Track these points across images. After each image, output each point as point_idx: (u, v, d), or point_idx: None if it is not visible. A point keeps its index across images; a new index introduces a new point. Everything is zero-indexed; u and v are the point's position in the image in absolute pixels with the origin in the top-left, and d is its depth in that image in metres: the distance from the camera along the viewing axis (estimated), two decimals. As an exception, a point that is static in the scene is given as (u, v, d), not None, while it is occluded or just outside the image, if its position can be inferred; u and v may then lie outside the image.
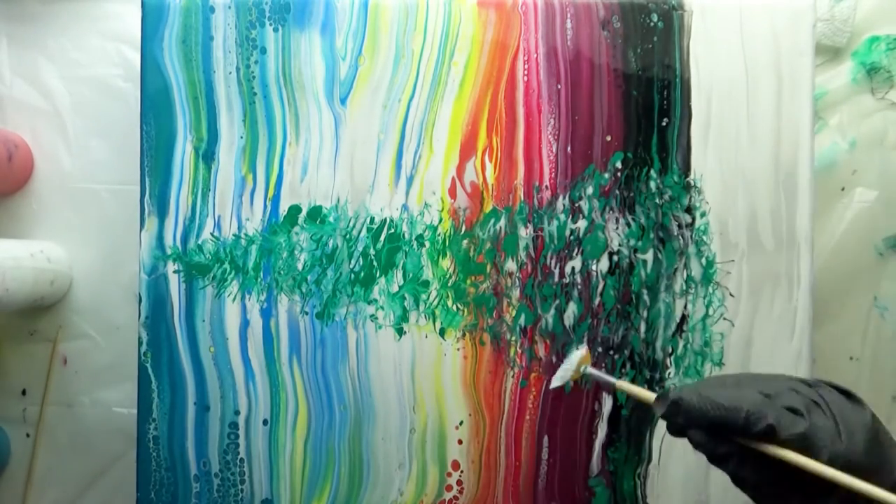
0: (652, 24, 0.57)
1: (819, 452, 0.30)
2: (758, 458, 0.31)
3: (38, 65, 0.65)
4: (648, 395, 0.35)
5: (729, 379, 0.34)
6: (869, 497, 0.29)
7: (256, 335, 0.57)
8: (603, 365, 0.57)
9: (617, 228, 0.57)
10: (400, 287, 0.57)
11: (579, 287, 0.57)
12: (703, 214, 0.57)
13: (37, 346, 0.64)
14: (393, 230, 0.57)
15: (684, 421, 0.32)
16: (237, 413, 0.57)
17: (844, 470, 0.29)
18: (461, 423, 0.57)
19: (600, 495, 0.57)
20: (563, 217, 0.57)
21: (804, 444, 0.30)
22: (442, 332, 0.57)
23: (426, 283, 0.57)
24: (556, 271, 0.57)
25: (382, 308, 0.57)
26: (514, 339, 0.57)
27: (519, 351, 0.57)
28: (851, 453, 0.29)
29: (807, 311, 0.57)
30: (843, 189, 0.65)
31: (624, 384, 0.37)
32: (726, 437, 0.31)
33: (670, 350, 0.57)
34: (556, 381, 0.44)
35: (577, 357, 0.40)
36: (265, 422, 0.57)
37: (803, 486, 0.30)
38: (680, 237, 0.57)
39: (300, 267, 0.57)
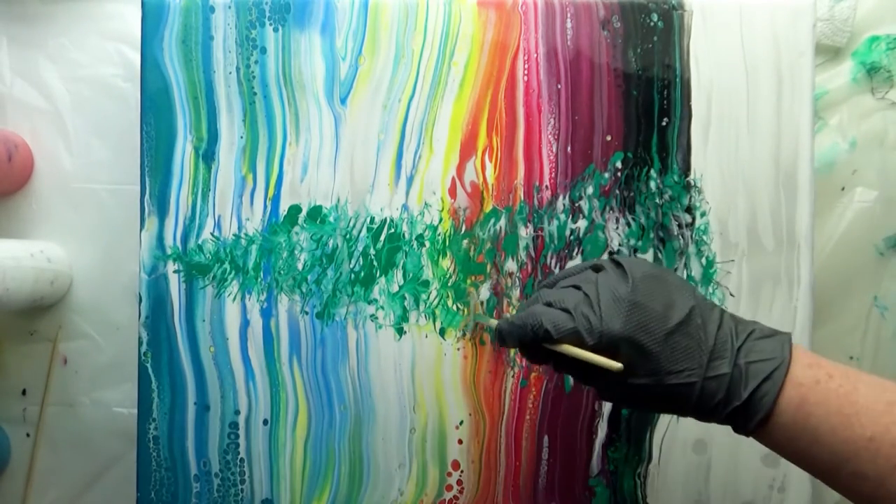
0: (652, 23, 0.57)
1: (586, 339, 0.36)
2: (562, 356, 0.37)
3: (38, 65, 0.65)
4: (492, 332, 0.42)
5: (538, 292, 0.40)
6: (595, 363, 0.35)
7: (256, 335, 0.57)
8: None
9: (617, 228, 0.57)
10: (400, 287, 0.57)
11: (579, 287, 0.57)
12: (703, 214, 0.57)
13: (37, 346, 0.64)
14: (393, 230, 0.57)
15: (511, 343, 0.39)
16: (237, 413, 0.57)
17: (608, 341, 0.35)
18: (461, 422, 0.57)
19: (600, 495, 0.57)
20: (563, 217, 0.57)
21: (576, 336, 0.36)
22: (442, 332, 0.57)
23: (426, 283, 0.57)
24: (557, 271, 0.57)
25: (382, 308, 0.57)
26: (514, 338, 0.57)
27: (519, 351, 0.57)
28: (609, 329, 0.35)
29: (807, 310, 0.57)
30: (843, 189, 0.65)
31: (487, 319, 0.44)
32: (535, 347, 0.38)
33: (670, 350, 0.57)
34: (461, 332, 0.55)
35: (470, 303, 0.46)
36: (265, 422, 0.57)
37: (595, 368, 0.36)
38: (680, 237, 0.57)
39: (300, 267, 0.57)
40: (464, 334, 0.55)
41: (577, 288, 0.38)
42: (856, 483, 0.33)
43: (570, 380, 0.57)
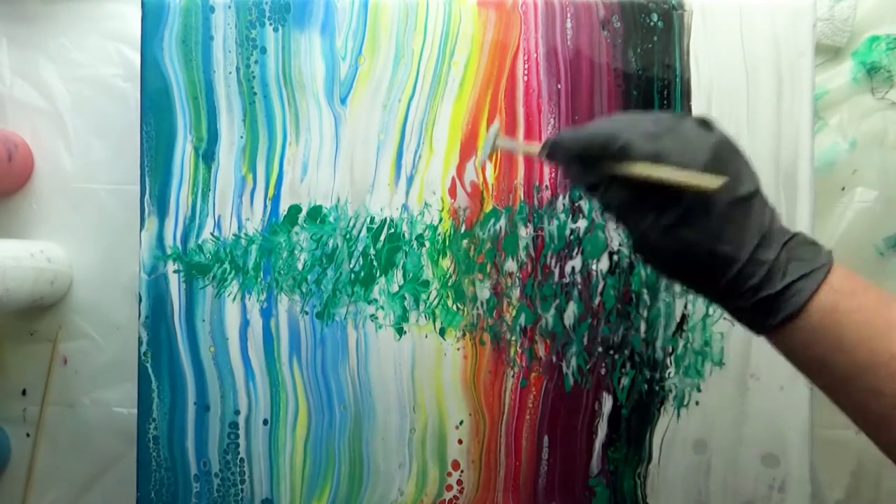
0: (652, 23, 0.57)
1: (672, 159, 0.33)
2: (619, 182, 0.34)
3: (38, 65, 0.65)
4: (535, 147, 0.38)
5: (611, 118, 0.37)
6: (687, 187, 0.33)
7: (256, 335, 0.57)
8: (603, 365, 0.57)
9: (617, 228, 0.57)
10: (400, 287, 0.57)
11: (579, 287, 0.57)
12: (703, 214, 0.57)
13: (37, 346, 0.64)
14: (393, 230, 0.57)
15: (562, 157, 0.36)
16: (237, 413, 0.57)
17: (693, 166, 0.33)
18: (461, 422, 0.57)
19: (600, 495, 0.57)
20: (563, 217, 0.57)
21: (654, 160, 0.33)
22: (442, 332, 0.57)
23: (426, 283, 0.57)
24: (557, 271, 0.57)
25: (382, 308, 0.57)
26: (514, 338, 0.57)
27: (519, 351, 0.57)
28: (695, 159, 0.33)
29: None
30: (843, 189, 0.65)
31: (523, 145, 0.40)
32: (593, 165, 0.35)
33: (670, 350, 0.57)
34: (481, 156, 0.54)
35: (492, 132, 0.43)
36: (265, 422, 0.57)
37: (657, 202, 0.34)
38: (680, 237, 0.57)
39: (300, 267, 0.57)
40: (483, 158, 0.55)
41: (657, 120, 0.35)
42: (868, 399, 0.32)
43: (570, 380, 0.57)
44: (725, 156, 0.34)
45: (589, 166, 0.35)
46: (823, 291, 0.33)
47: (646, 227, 0.35)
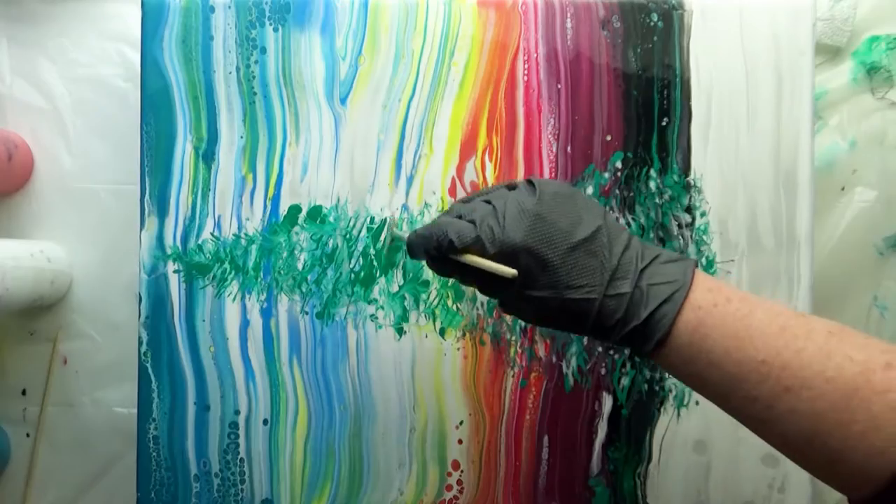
0: (652, 23, 0.57)
1: (487, 248, 0.36)
2: (466, 266, 0.38)
3: (38, 65, 0.65)
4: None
5: (452, 206, 0.41)
6: (492, 271, 0.36)
7: (256, 335, 0.57)
8: (603, 365, 0.57)
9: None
10: (400, 287, 0.57)
11: (579, 287, 0.57)
12: (703, 214, 0.57)
13: (37, 346, 0.64)
14: (393, 230, 0.57)
15: (420, 255, 0.39)
16: (237, 413, 0.57)
17: (509, 250, 0.36)
18: (461, 422, 0.57)
19: (600, 495, 0.57)
20: (563, 217, 0.57)
21: (479, 245, 0.37)
22: (442, 332, 0.57)
23: (426, 283, 0.57)
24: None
25: (382, 308, 0.57)
26: (514, 338, 0.57)
27: (519, 351, 0.57)
28: (510, 238, 0.36)
29: (807, 310, 0.57)
30: (843, 189, 0.65)
31: (401, 233, 0.44)
32: (442, 258, 0.38)
33: (670, 350, 0.57)
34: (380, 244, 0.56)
35: (388, 227, 0.47)
36: (265, 422, 0.57)
37: (496, 278, 0.37)
38: (680, 237, 0.57)
39: (300, 267, 0.57)
40: (383, 248, 0.56)
41: (488, 202, 0.38)
42: (747, 406, 0.33)
43: (570, 380, 0.57)
44: (551, 212, 0.36)
45: (438, 260, 0.39)
46: (686, 311, 0.34)
47: (502, 299, 0.39)
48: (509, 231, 0.36)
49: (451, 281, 0.57)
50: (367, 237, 0.57)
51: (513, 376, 0.57)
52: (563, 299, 0.36)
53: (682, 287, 0.35)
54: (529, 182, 0.38)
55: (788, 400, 0.32)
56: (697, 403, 0.57)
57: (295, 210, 0.57)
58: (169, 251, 0.57)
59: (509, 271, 0.36)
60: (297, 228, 0.57)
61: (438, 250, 0.38)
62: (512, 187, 0.39)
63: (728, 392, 0.34)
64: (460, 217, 0.39)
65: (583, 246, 0.35)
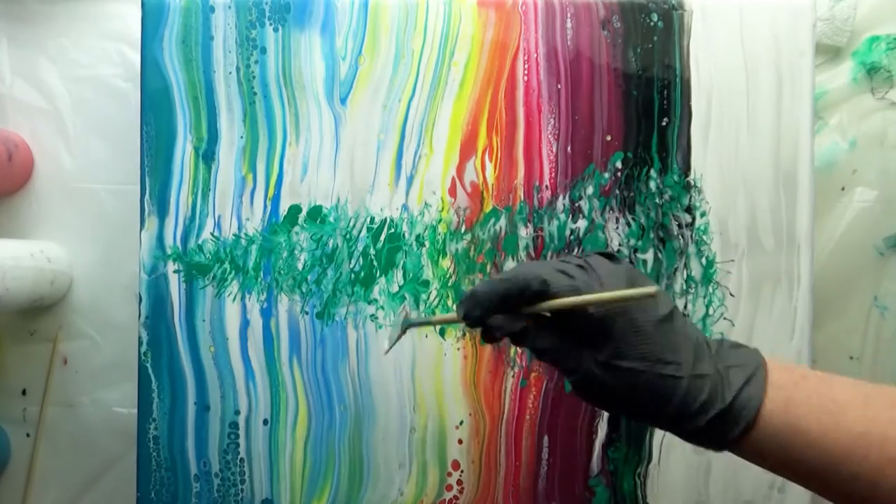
0: (652, 23, 0.57)
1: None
2: (548, 326, 0.34)
3: (38, 65, 0.65)
4: (453, 315, 0.36)
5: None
6: (623, 300, 0.33)
7: (256, 335, 0.57)
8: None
9: (617, 228, 0.57)
10: (400, 287, 0.57)
11: (579, 287, 0.57)
12: (703, 214, 0.57)
13: (37, 346, 0.64)
14: (393, 230, 0.57)
15: (481, 310, 0.34)
16: (237, 413, 0.57)
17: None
18: (461, 422, 0.57)
19: (600, 495, 0.57)
20: (563, 217, 0.57)
21: (574, 293, 0.33)
22: (442, 332, 0.57)
23: (426, 283, 0.57)
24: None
25: (382, 308, 0.57)
26: (514, 338, 0.57)
27: (519, 351, 0.57)
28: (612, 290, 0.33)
29: (807, 310, 0.57)
30: (843, 189, 0.65)
31: (436, 318, 0.39)
32: (516, 311, 0.34)
33: (670, 350, 0.57)
34: (386, 345, 0.48)
35: (398, 318, 0.41)
36: (265, 422, 0.57)
37: (588, 339, 0.34)
38: (680, 237, 0.57)
39: (300, 267, 0.57)
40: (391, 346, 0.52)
41: (566, 262, 0.35)
42: (848, 485, 0.32)
43: (570, 380, 0.57)
44: (639, 281, 0.34)
45: (510, 314, 0.34)
46: (771, 392, 0.33)
47: (585, 365, 0.34)
48: (609, 284, 0.33)
49: (451, 280, 0.57)
50: (367, 237, 0.57)
51: (513, 376, 0.57)
52: (653, 373, 0.33)
53: (760, 366, 0.33)
54: (611, 255, 0.36)
55: (894, 471, 0.30)
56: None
57: (295, 210, 0.57)
58: (169, 251, 0.57)
59: (649, 289, 0.32)
60: (297, 228, 0.57)
61: (521, 296, 0.34)
62: (600, 254, 0.36)
63: (829, 474, 0.32)
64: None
65: (668, 321, 0.33)
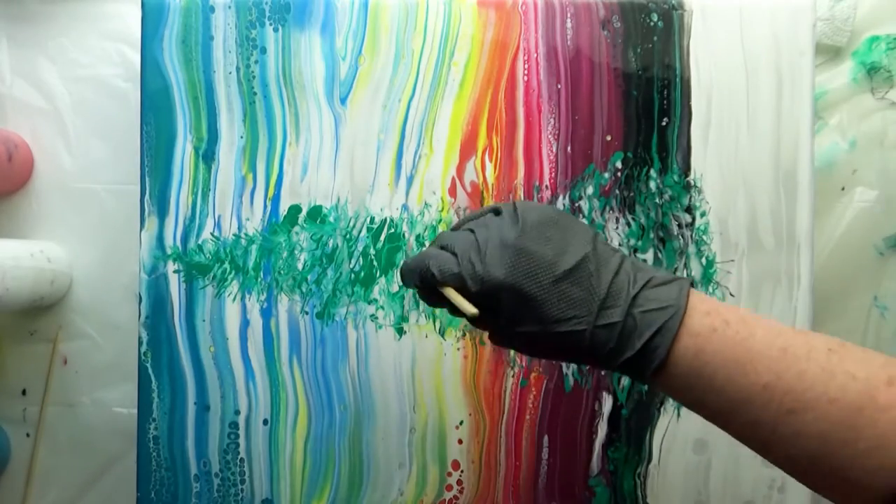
0: (652, 23, 0.57)
1: (469, 285, 0.36)
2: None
3: (38, 65, 0.65)
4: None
5: (440, 234, 0.41)
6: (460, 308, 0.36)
7: (256, 335, 0.57)
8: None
9: (617, 228, 0.57)
10: (400, 287, 0.57)
11: (579, 287, 0.57)
12: (703, 214, 0.57)
13: (37, 346, 0.64)
14: (393, 230, 0.57)
15: (409, 284, 0.39)
16: (237, 413, 0.57)
17: (490, 287, 0.35)
18: (461, 422, 0.57)
19: (600, 495, 0.57)
20: (563, 217, 0.57)
21: (460, 282, 0.36)
22: (442, 332, 0.57)
23: (426, 283, 0.57)
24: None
25: (382, 308, 0.57)
26: (514, 338, 0.57)
27: (519, 351, 0.57)
28: (491, 275, 0.35)
29: (807, 310, 0.57)
30: (843, 189, 0.65)
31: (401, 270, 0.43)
32: (430, 289, 0.38)
33: (670, 350, 0.57)
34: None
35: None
36: (265, 422, 0.57)
37: (488, 310, 0.36)
38: (680, 237, 0.57)
39: (300, 267, 0.57)
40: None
41: (472, 231, 0.38)
42: (749, 430, 0.33)
43: (570, 380, 0.57)
44: (534, 244, 0.35)
45: (425, 291, 0.39)
46: (683, 338, 0.33)
47: (491, 329, 0.38)
48: (490, 267, 0.35)
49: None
50: (367, 237, 0.57)
51: (513, 376, 0.57)
52: (551, 332, 0.35)
53: (677, 313, 0.34)
54: (514, 206, 0.37)
55: (792, 423, 0.31)
56: (697, 403, 0.57)
57: (295, 210, 0.57)
58: (169, 251, 0.57)
59: (471, 310, 0.36)
60: (297, 228, 0.57)
61: (423, 283, 0.38)
62: (497, 212, 0.38)
63: (730, 417, 0.33)
64: (444, 248, 0.38)
65: (568, 277, 0.34)
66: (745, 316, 0.34)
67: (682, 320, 0.34)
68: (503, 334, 0.37)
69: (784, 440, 0.32)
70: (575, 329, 0.34)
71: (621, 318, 0.34)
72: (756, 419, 0.32)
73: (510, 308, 0.35)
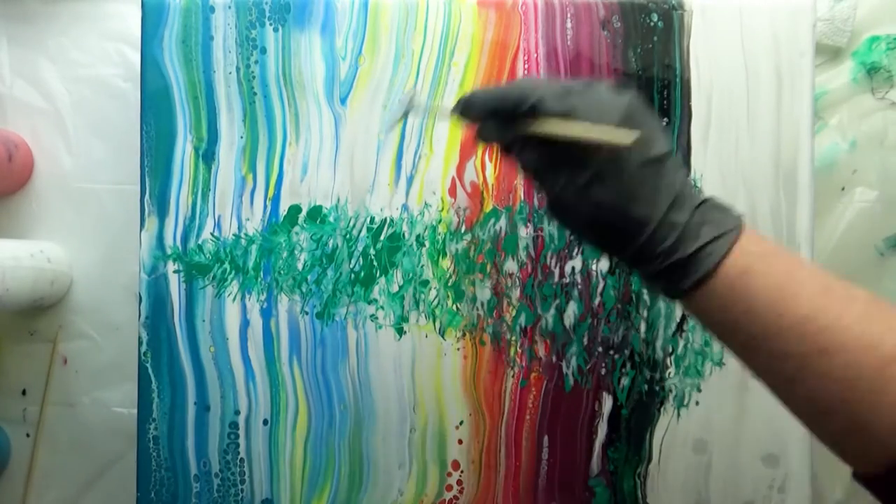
0: (652, 23, 0.57)
1: (581, 119, 0.33)
2: (534, 141, 0.34)
3: (38, 65, 0.65)
4: (447, 108, 0.37)
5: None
6: (599, 143, 0.32)
7: (256, 335, 0.57)
8: (603, 365, 0.57)
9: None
10: (400, 287, 0.57)
11: (579, 287, 0.57)
12: (703, 214, 0.57)
13: (37, 346, 0.64)
14: (393, 230, 0.57)
15: (475, 115, 0.36)
16: (237, 413, 0.57)
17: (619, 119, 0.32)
18: (461, 423, 0.57)
19: (600, 495, 0.57)
20: (563, 217, 0.57)
21: (566, 118, 0.33)
22: (442, 332, 0.57)
23: (426, 283, 0.57)
24: (557, 271, 0.57)
25: (382, 308, 0.57)
26: (514, 338, 0.57)
27: (519, 351, 0.57)
28: (603, 122, 0.33)
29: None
30: (843, 189, 0.65)
31: (437, 109, 0.38)
32: (507, 123, 0.35)
33: (670, 350, 0.57)
34: (385, 129, 0.48)
35: (405, 98, 0.40)
36: (265, 422, 0.57)
37: (571, 161, 0.34)
38: (680, 237, 0.57)
39: (300, 267, 0.57)
40: (392, 123, 0.49)
41: (574, 80, 0.35)
42: (777, 362, 0.32)
43: (570, 380, 0.57)
44: (638, 117, 0.34)
45: (502, 125, 0.35)
46: (735, 254, 0.33)
47: (560, 187, 0.34)
48: (604, 111, 0.33)
49: (450, 281, 0.57)
50: (367, 237, 0.57)
51: (513, 376, 0.57)
52: (623, 210, 0.33)
53: (735, 229, 0.33)
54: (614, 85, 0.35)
55: (822, 363, 0.30)
56: (697, 404, 0.57)
57: (295, 210, 0.57)
58: (169, 251, 0.57)
59: (628, 136, 0.32)
60: (297, 228, 0.57)
61: (515, 110, 0.34)
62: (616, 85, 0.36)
63: (761, 345, 0.32)
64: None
65: (654, 163, 0.33)
66: (796, 254, 0.34)
67: (737, 237, 0.33)
68: (570, 196, 0.34)
69: (809, 379, 0.31)
70: (643, 215, 0.33)
71: (685, 220, 0.33)
72: (786, 352, 0.31)
73: (598, 168, 0.33)
